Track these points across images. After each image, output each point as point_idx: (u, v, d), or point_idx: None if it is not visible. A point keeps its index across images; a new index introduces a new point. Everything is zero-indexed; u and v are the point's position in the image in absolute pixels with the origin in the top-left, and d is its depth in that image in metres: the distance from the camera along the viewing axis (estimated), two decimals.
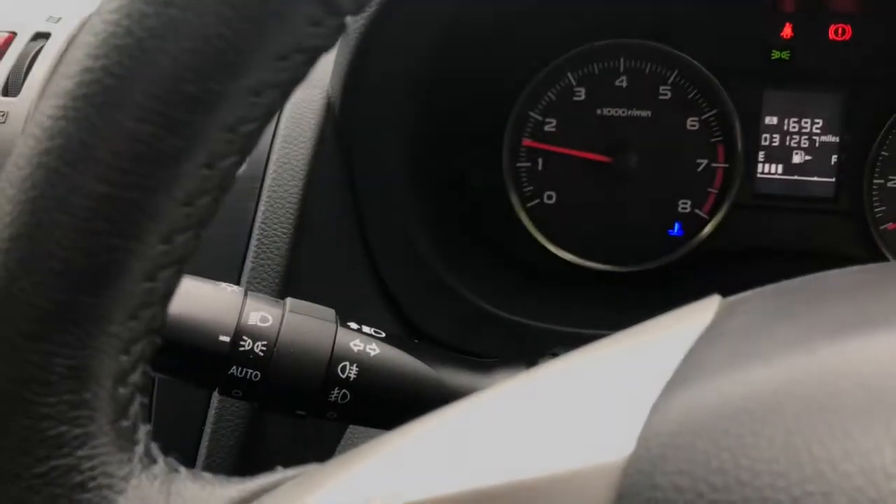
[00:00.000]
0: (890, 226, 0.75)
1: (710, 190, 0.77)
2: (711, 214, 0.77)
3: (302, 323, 0.42)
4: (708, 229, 0.77)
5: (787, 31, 0.74)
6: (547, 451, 0.23)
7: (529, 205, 0.79)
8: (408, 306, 0.66)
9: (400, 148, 0.67)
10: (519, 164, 0.79)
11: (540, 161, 0.79)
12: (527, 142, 0.79)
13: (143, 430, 0.26)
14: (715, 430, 0.21)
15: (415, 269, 0.67)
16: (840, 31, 0.73)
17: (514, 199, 0.78)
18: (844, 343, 0.22)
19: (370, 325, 0.45)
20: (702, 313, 0.28)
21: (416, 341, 0.50)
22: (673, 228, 0.78)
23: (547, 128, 0.78)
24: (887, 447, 0.19)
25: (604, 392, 0.25)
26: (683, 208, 0.78)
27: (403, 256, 0.67)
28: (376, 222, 0.65)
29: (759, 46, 0.75)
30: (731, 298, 0.29)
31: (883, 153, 0.74)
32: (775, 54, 0.74)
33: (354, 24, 0.58)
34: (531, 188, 0.79)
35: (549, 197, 0.79)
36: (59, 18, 0.67)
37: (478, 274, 0.72)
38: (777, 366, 0.22)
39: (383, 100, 0.63)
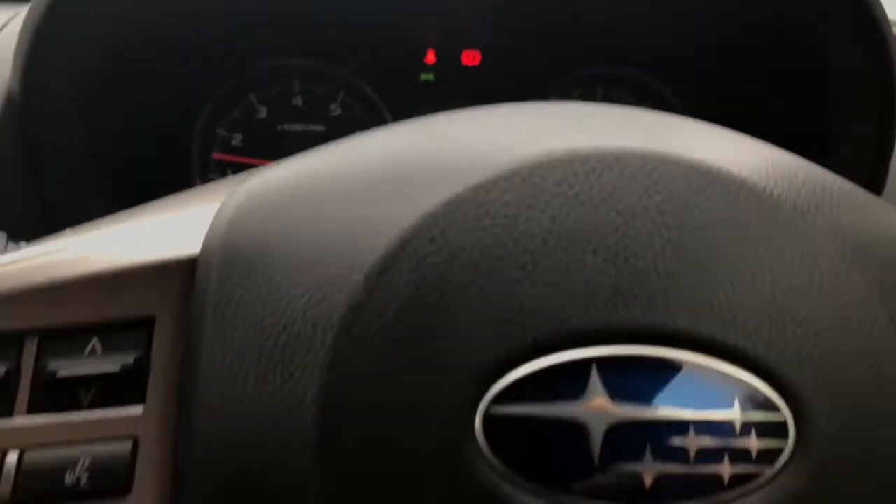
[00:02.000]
0: None
1: None
2: None
3: None
4: None
5: (431, 57, 0.88)
6: (149, 244, 0.31)
7: None
8: None
9: (88, 157, 0.72)
10: (209, 176, 0.87)
11: (229, 172, 0.87)
12: (217, 155, 0.87)
13: None
14: (280, 195, 0.31)
15: None
16: (472, 56, 0.89)
17: None
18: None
19: None
20: None
21: None
22: None
23: (234, 142, 0.87)
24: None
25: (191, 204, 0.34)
26: None
27: None
28: (64, 217, 0.69)
29: (409, 70, 0.89)
30: None
31: None
32: (423, 77, 0.89)
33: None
34: None
35: None
36: None
37: None
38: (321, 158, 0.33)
39: (65, 99, 0.67)
